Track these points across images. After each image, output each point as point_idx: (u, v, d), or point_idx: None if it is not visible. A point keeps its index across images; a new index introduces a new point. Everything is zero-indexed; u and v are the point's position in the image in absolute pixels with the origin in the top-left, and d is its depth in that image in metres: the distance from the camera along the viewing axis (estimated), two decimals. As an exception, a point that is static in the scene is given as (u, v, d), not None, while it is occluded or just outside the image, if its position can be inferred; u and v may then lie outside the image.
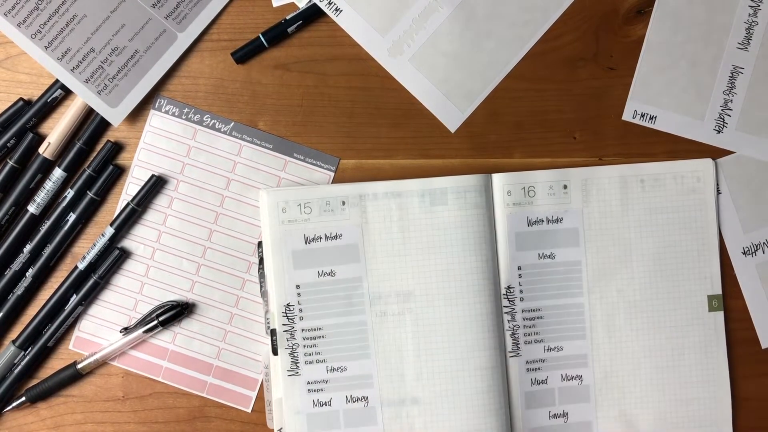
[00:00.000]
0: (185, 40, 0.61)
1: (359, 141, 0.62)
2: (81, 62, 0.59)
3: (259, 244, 0.61)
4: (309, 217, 0.60)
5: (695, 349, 0.62)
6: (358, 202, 0.60)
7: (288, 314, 0.60)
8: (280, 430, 0.60)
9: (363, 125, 0.62)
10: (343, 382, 0.60)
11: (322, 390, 0.60)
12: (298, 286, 0.60)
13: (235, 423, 0.62)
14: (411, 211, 0.60)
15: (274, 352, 0.60)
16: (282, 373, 0.60)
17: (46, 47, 0.59)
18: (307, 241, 0.60)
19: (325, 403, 0.60)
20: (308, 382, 0.60)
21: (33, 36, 0.59)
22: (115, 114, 0.60)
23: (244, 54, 0.61)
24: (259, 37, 0.61)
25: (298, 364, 0.60)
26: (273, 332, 0.60)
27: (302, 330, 0.60)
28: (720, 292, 0.62)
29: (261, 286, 0.61)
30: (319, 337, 0.60)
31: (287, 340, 0.60)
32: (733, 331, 0.63)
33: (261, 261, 0.61)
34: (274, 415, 0.60)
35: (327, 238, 0.60)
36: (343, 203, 0.60)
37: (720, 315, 0.62)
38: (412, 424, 0.60)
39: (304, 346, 0.60)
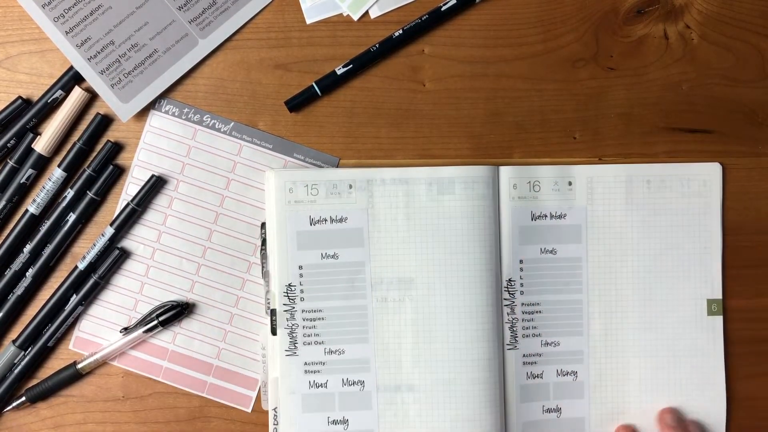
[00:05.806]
0: (206, 47, 0.60)
1: (359, 141, 0.62)
2: (99, 53, 0.59)
3: (263, 225, 0.61)
4: (315, 199, 0.60)
5: (691, 351, 0.62)
6: (366, 187, 0.60)
7: (289, 294, 0.60)
8: (274, 409, 0.60)
9: (363, 125, 0.62)
10: (341, 365, 0.60)
11: (318, 372, 0.60)
12: (300, 267, 0.60)
13: (235, 423, 0.62)
14: (417, 198, 0.60)
15: (273, 332, 0.60)
16: (280, 352, 0.60)
17: (66, 32, 0.59)
18: (312, 222, 0.60)
19: (321, 385, 0.60)
20: (305, 363, 0.60)
21: (56, 19, 0.59)
22: (124, 110, 0.60)
23: (298, 103, 0.61)
24: (312, 85, 0.61)
25: (296, 345, 0.60)
26: (273, 312, 0.60)
27: (302, 311, 0.60)
28: (720, 296, 0.62)
29: (263, 267, 0.61)
30: (319, 318, 0.60)
31: (287, 320, 0.60)
32: (731, 331, 0.63)
33: (264, 242, 0.61)
34: (269, 395, 0.60)
35: (332, 220, 0.60)
36: (350, 187, 0.60)
37: (719, 319, 0.62)
38: (407, 411, 0.60)
39: (303, 327, 0.60)
